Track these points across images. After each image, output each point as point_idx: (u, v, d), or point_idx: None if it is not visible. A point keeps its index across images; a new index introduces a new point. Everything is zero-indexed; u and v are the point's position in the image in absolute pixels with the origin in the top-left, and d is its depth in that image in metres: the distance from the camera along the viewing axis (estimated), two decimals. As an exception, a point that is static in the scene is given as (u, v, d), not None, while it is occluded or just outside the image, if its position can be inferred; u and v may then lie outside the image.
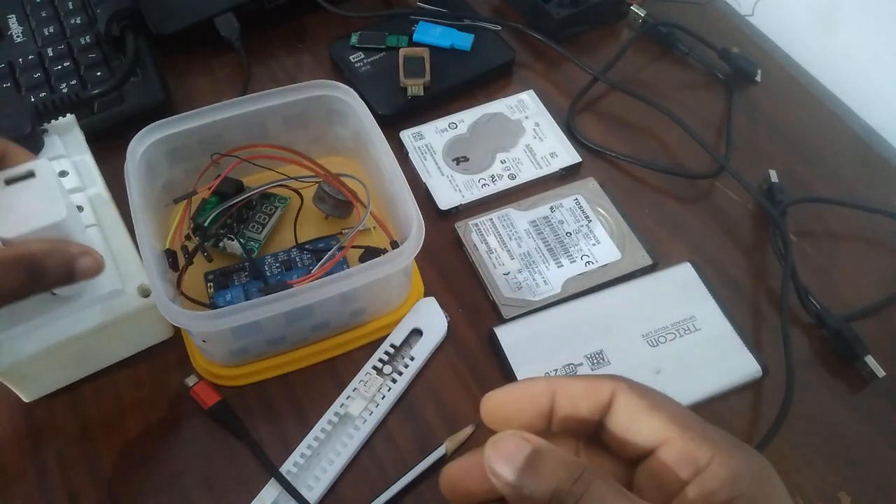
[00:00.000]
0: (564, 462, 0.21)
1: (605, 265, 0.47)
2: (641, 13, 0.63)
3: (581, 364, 0.43)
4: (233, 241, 0.46)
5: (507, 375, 0.43)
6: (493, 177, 0.52)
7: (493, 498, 0.24)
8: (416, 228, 0.40)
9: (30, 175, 0.36)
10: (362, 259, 0.45)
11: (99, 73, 0.54)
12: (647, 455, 0.24)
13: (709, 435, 0.23)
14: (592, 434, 0.25)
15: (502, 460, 0.21)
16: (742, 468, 0.22)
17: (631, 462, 0.25)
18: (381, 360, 0.43)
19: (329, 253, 0.43)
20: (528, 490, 0.21)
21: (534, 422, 0.25)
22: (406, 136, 0.54)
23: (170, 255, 0.44)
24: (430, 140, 0.54)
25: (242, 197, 0.46)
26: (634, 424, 0.24)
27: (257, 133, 0.46)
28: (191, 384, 0.42)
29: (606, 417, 0.24)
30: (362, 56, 0.58)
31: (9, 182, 0.35)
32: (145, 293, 0.41)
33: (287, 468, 0.39)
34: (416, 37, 0.59)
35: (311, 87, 0.46)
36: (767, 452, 0.40)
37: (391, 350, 0.44)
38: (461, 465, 0.25)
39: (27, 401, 0.42)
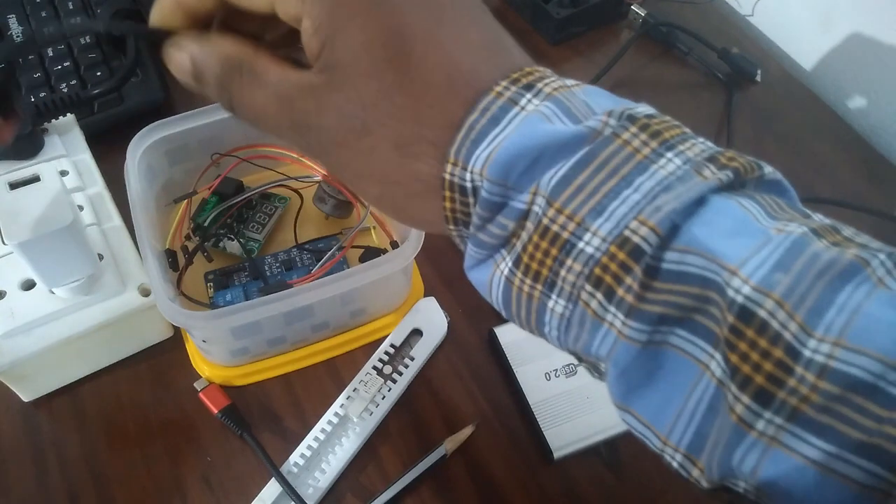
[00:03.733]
0: (225, 48, 0.23)
1: (605, 265, 0.47)
2: (641, 13, 0.63)
3: (581, 364, 0.43)
4: (233, 241, 0.46)
5: (507, 375, 0.43)
6: (493, 177, 0.52)
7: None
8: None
9: (35, 179, 0.36)
10: (362, 259, 0.45)
11: (99, 73, 0.54)
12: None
13: None
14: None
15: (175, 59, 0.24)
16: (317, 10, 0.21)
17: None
18: (381, 360, 0.43)
19: (329, 253, 0.43)
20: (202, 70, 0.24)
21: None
22: (406, 136, 0.54)
23: (170, 255, 0.44)
24: (430, 140, 0.54)
25: (242, 197, 0.46)
26: None
27: (257, 133, 0.46)
28: (199, 388, 0.42)
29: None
30: (362, 56, 0.58)
31: (14, 186, 0.35)
32: (145, 293, 0.41)
33: (287, 468, 0.39)
34: (416, 37, 0.58)
35: (311, 87, 0.46)
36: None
37: (391, 350, 0.44)
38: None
39: (27, 400, 0.42)
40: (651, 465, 0.41)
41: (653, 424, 0.21)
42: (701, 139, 0.21)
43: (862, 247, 0.19)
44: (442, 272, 0.48)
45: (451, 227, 0.23)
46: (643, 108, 0.21)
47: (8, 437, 0.41)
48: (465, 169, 0.21)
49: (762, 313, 0.18)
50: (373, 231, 0.47)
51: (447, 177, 0.21)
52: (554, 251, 0.20)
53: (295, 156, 0.46)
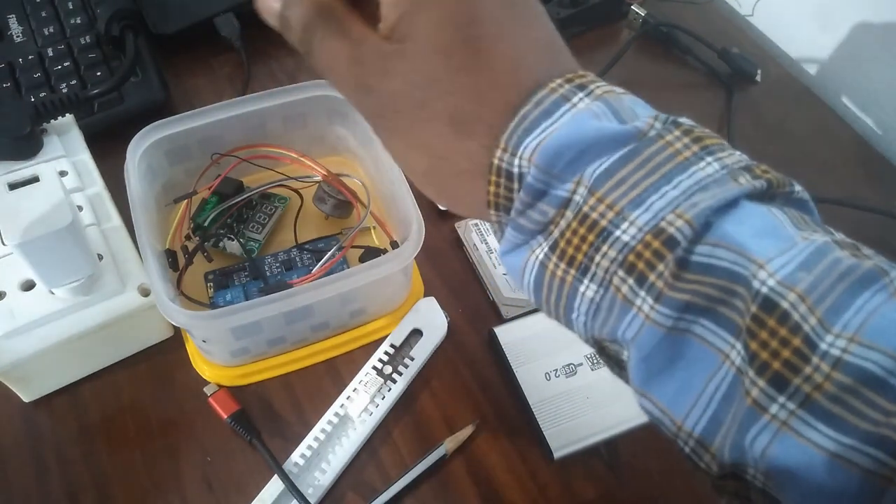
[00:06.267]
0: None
1: (605, 265, 0.47)
2: (641, 13, 0.63)
3: (581, 364, 0.43)
4: (233, 241, 0.46)
5: (507, 375, 0.43)
6: (493, 177, 0.52)
7: None
8: (415, 228, 0.40)
9: (34, 180, 0.36)
10: (362, 259, 0.45)
11: (99, 73, 0.54)
12: None
13: None
14: None
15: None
16: None
17: None
18: (381, 360, 0.43)
19: (329, 253, 0.43)
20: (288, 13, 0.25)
21: None
22: (406, 136, 0.54)
23: (170, 255, 0.44)
24: (430, 140, 0.54)
25: (242, 197, 0.46)
26: None
27: (257, 133, 0.46)
28: (209, 393, 0.42)
29: None
30: (362, 56, 0.58)
31: (13, 187, 0.35)
32: (145, 293, 0.41)
33: (287, 468, 0.39)
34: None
35: (311, 87, 0.46)
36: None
37: (391, 350, 0.44)
38: None
39: (27, 401, 0.42)
40: (651, 465, 0.41)
41: (670, 410, 0.21)
42: (738, 152, 0.22)
43: (880, 261, 0.20)
44: (442, 272, 0.48)
45: (493, 211, 0.23)
46: (686, 119, 0.22)
47: (8, 438, 0.41)
48: (514, 155, 0.22)
49: (784, 304, 0.18)
50: (373, 231, 0.47)
51: (496, 161, 0.22)
52: (591, 237, 0.21)
53: (295, 156, 0.46)
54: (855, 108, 0.61)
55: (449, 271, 0.48)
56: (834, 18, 0.61)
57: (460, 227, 0.49)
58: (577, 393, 0.42)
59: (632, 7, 0.64)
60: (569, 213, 0.21)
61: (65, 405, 0.42)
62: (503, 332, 0.44)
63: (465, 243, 0.49)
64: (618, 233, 0.20)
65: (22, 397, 0.42)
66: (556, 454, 0.40)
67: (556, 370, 0.43)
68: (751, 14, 0.68)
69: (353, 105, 0.25)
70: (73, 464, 0.40)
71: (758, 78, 0.61)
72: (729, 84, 0.60)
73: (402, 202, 0.42)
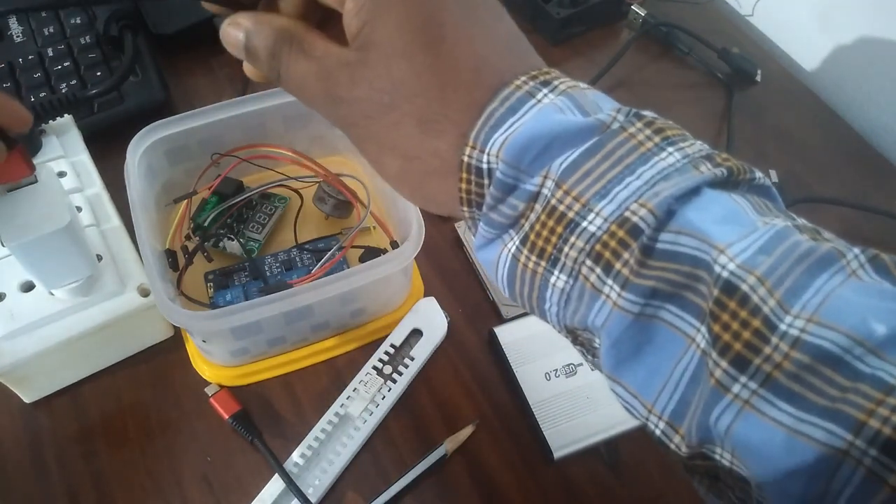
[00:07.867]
0: (278, 22, 0.25)
1: (605, 265, 0.47)
2: (641, 13, 0.63)
3: (581, 364, 0.43)
4: (233, 241, 0.46)
5: (507, 375, 0.43)
6: (493, 177, 0.52)
7: None
8: (416, 228, 0.40)
9: (32, 181, 0.36)
10: (362, 259, 0.45)
11: (99, 73, 0.54)
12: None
13: None
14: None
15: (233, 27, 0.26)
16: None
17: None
18: (381, 360, 0.43)
19: (329, 253, 0.43)
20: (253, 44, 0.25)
21: None
22: (406, 136, 0.54)
23: (170, 255, 0.44)
24: (430, 140, 0.54)
25: (242, 197, 0.46)
26: None
27: (257, 133, 0.46)
28: (210, 393, 0.42)
29: None
30: (362, 56, 0.58)
31: (11, 188, 0.35)
32: (145, 293, 0.41)
33: (288, 468, 0.39)
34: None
35: (311, 87, 0.45)
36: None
37: (391, 350, 0.44)
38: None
39: (28, 401, 0.42)
40: (651, 465, 0.41)
41: (640, 394, 0.22)
42: (699, 141, 0.22)
43: (839, 244, 0.20)
44: (442, 272, 0.48)
45: (465, 208, 0.24)
46: (648, 112, 0.23)
47: (8, 438, 0.41)
48: (482, 152, 0.22)
49: (744, 287, 0.19)
50: (373, 231, 0.47)
51: (465, 159, 0.23)
52: (559, 229, 0.22)
53: (295, 156, 0.45)
54: (855, 109, 0.61)
55: (449, 271, 0.48)
56: (834, 18, 0.61)
57: (460, 227, 0.49)
58: (577, 393, 0.42)
59: (632, 7, 0.64)
60: (538, 207, 0.22)
61: (65, 405, 0.42)
62: (503, 332, 0.44)
63: (465, 243, 0.49)
64: (585, 224, 0.21)
65: (22, 398, 0.42)
66: (556, 454, 0.40)
67: (556, 370, 0.43)
68: (751, 14, 0.68)
69: (328, 118, 0.25)
70: (73, 464, 0.40)
71: (758, 78, 0.61)
72: (729, 84, 0.60)
73: (402, 202, 0.42)
